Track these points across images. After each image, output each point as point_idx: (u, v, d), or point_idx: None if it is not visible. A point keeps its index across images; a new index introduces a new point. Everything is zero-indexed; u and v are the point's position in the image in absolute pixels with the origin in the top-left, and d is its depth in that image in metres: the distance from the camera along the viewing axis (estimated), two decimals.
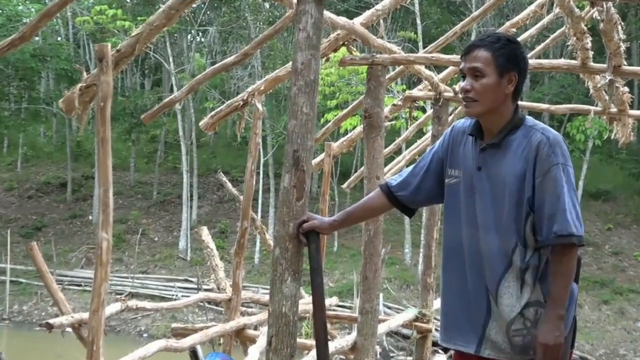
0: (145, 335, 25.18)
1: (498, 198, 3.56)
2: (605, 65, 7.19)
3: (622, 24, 6.53)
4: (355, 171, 21.41)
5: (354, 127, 17.10)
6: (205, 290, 22.77)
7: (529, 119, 3.65)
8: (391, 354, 17.84)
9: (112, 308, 7.36)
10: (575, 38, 6.86)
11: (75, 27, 36.89)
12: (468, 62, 3.61)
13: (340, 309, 21.02)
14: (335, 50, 7.79)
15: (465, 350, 3.69)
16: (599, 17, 6.17)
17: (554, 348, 3.42)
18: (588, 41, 6.96)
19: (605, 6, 6.06)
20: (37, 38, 32.83)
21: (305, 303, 8.96)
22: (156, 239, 32.55)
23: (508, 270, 3.53)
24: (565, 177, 3.47)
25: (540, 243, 3.49)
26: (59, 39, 40.27)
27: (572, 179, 3.52)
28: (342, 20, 7.06)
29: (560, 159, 3.47)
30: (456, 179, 3.74)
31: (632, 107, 9.96)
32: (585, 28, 6.86)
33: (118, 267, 29.29)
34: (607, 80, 7.09)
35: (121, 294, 24.13)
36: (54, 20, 35.51)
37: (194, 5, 9.79)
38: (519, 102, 3.73)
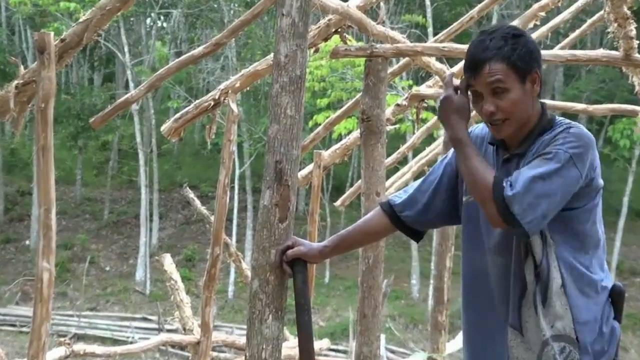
0: None
1: None
2: None
3: None
4: (351, 186, 21.45)
5: (350, 132, 17.15)
6: (168, 331, 22.73)
7: (561, 120, 3.64)
8: None
9: (54, 353, 7.35)
10: (616, 24, 6.90)
11: (9, 9, 36.88)
12: (481, 80, 3.57)
13: (332, 353, 21.05)
14: (326, 40, 7.80)
15: None
16: None
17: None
18: (632, 28, 6.99)
19: None
20: None
21: (290, 347, 8.97)
22: (108, 268, 32.56)
23: (525, 293, 3.57)
24: (562, 169, 3.41)
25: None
26: None
27: (570, 179, 3.44)
28: (334, 2, 7.09)
29: (569, 149, 3.43)
30: None
31: None
32: (628, 12, 6.89)
33: (61, 303, 29.28)
34: None
35: (65, 335, 24.09)
36: None
37: None
38: (551, 102, 3.74)
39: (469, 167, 3.51)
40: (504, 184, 3.39)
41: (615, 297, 3.69)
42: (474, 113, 3.69)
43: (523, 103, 3.56)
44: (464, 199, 3.82)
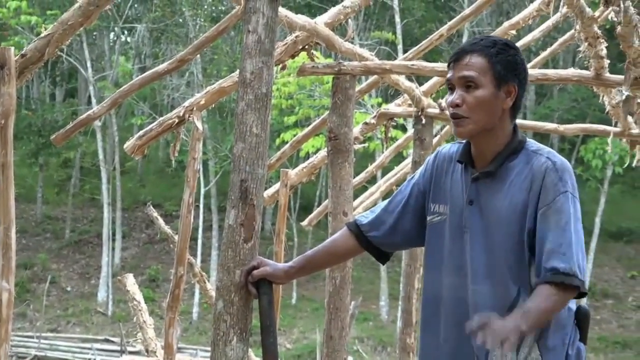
0: None
1: (493, 238, 3.57)
2: (623, 77, 7.27)
3: None
4: (319, 205, 21.45)
5: (317, 151, 17.18)
6: (131, 352, 22.64)
7: (531, 142, 3.66)
8: None
9: None
10: (587, 44, 6.96)
11: None
12: (458, 70, 3.62)
13: None
14: (293, 57, 7.83)
15: None
16: (615, 18, 6.26)
17: (498, 330, 3.23)
18: (603, 47, 7.05)
19: (622, 5, 6.16)
20: None
21: None
22: (69, 288, 32.37)
23: None
24: (573, 210, 3.48)
25: (537, 283, 3.45)
26: None
27: (580, 215, 3.53)
28: (301, 19, 7.11)
29: (568, 188, 3.50)
30: (440, 216, 3.76)
31: None
32: (599, 31, 6.95)
33: (21, 324, 29.07)
34: (623, 96, 7.17)
35: (25, 357, 23.95)
36: None
37: None
38: (522, 121, 3.77)
39: (544, 311, 3.42)
40: (575, 282, 3.41)
41: (581, 319, 3.71)
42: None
43: (490, 107, 3.59)
44: (428, 219, 3.83)
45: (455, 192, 3.73)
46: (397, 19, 29.11)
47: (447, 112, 3.74)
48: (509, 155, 3.63)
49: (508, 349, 3.24)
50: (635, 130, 9.79)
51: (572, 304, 3.64)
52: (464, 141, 3.76)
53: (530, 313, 3.35)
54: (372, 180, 15.45)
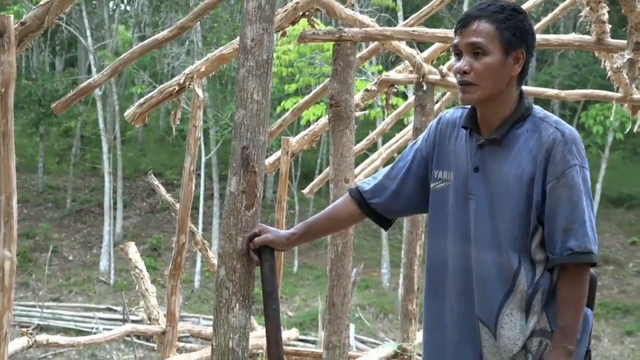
0: None
1: (499, 207, 3.55)
2: (625, 42, 7.25)
3: None
4: (320, 173, 21.48)
5: (318, 118, 17.14)
6: (133, 321, 22.66)
7: (538, 109, 3.64)
8: None
9: (16, 344, 7.31)
10: (588, 8, 6.92)
11: None
12: (466, 36, 3.57)
13: (301, 343, 21.10)
14: (293, 23, 7.80)
15: None
16: None
17: None
18: (604, 12, 7.01)
19: None
20: None
21: (258, 336, 8.99)
22: (71, 257, 32.42)
23: (510, 296, 3.53)
24: (583, 182, 3.48)
25: (552, 262, 3.49)
26: None
27: (589, 186, 3.54)
28: None
29: (577, 160, 3.47)
30: (444, 182, 3.73)
31: None
32: None
33: (23, 293, 29.11)
34: (625, 60, 7.14)
35: (27, 326, 23.99)
36: None
37: None
38: (523, 87, 3.74)
39: (578, 314, 3.53)
40: (592, 259, 3.50)
41: (589, 285, 3.72)
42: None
43: (497, 74, 3.55)
44: (431, 185, 3.81)
45: (459, 158, 3.70)
46: None
47: (454, 79, 3.71)
48: (515, 122, 3.60)
49: None
50: (637, 96, 9.77)
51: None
52: (467, 106, 3.73)
53: (568, 328, 3.49)
54: (373, 147, 15.47)
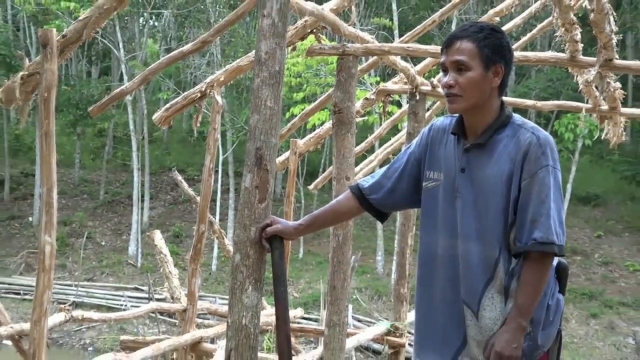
0: (90, 348, 25.01)
1: (482, 203, 3.58)
2: (595, 59, 7.26)
3: (615, 14, 6.59)
4: (324, 171, 21.46)
5: (323, 123, 17.15)
6: (158, 299, 22.72)
7: (517, 117, 3.67)
8: None
9: (55, 318, 7.32)
10: (563, 29, 6.92)
11: (15, 7, 36.59)
12: (450, 55, 3.62)
13: (305, 321, 21.06)
14: (302, 39, 7.80)
15: None
16: (589, 7, 6.23)
17: (508, 359, 3.48)
18: (577, 32, 7.02)
19: None
20: None
21: (268, 314, 8.98)
22: (103, 243, 32.38)
23: (491, 282, 3.57)
24: (553, 181, 3.51)
25: (518, 249, 3.52)
26: None
27: (560, 184, 3.56)
28: (310, 5, 7.08)
29: (550, 161, 3.50)
30: (435, 182, 3.76)
31: (625, 105, 10.08)
32: (574, 18, 6.92)
33: (61, 273, 29.09)
34: (594, 74, 7.15)
35: (64, 303, 23.99)
36: None
37: None
38: (504, 98, 3.76)
39: (535, 296, 3.53)
40: (553, 249, 3.51)
41: (560, 273, 3.79)
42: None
43: (479, 87, 3.59)
44: (423, 184, 3.83)
45: (448, 160, 3.74)
46: (394, 6, 28.95)
47: (442, 91, 3.73)
48: (497, 129, 3.63)
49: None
50: (604, 107, 9.76)
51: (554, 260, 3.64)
52: (456, 115, 3.76)
53: (524, 306, 3.51)
54: (371, 149, 15.46)
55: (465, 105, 3.62)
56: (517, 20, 10.76)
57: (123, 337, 9.36)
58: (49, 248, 5.83)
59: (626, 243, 30.11)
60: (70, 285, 28.24)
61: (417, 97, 9.30)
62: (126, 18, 34.88)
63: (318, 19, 7.32)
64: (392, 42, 15.59)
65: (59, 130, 30.63)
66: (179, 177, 10.78)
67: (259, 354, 4.08)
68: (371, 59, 9.89)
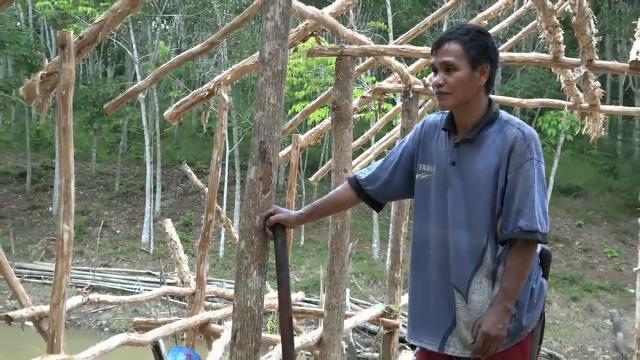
0: (106, 329, 25.06)
1: (471, 195, 3.59)
2: (577, 60, 7.25)
3: (595, 17, 6.58)
4: (323, 164, 21.41)
5: (322, 119, 17.12)
6: (169, 284, 22.68)
7: (504, 114, 3.69)
8: (357, 350, 17.88)
9: (72, 301, 7.32)
10: (547, 31, 6.92)
11: (36, 12, 36.53)
12: (439, 56, 3.64)
13: (306, 304, 21.07)
14: (303, 41, 7.80)
15: (429, 348, 3.75)
16: (571, 11, 6.22)
17: (494, 339, 3.47)
18: (560, 35, 7.02)
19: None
20: None
21: (271, 297, 8.97)
22: (118, 231, 32.38)
23: (480, 268, 3.58)
24: (537, 174, 3.51)
25: (504, 236, 3.54)
26: (18, 24, 39.77)
27: (543, 176, 3.57)
28: (310, 9, 7.07)
29: (534, 155, 3.52)
30: (427, 174, 3.76)
31: (603, 102, 10.07)
32: (557, 21, 6.91)
33: (79, 259, 29.10)
34: (582, 74, 7.15)
35: (82, 287, 23.97)
36: (14, 4, 35.19)
37: None
38: (491, 96, 3.76)
39: (520, 280, 3.54)
40: (537, 237, 3.53)
41: (544, 259, 3.79)
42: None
43: (467, 85, 3.61)
44: (416, 176, 3.83)
45: (440, 154, 3.74)
46: (389, 11, 28.96)
47: (433, 90, 3.74)
48: (485, 125, 3.64)
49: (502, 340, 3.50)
50: (585, 104, 9.76)
51: (537, 246, 3.65)
52: (446, 112, 3.76)
53: (509, 289, 3.52)
54: (367, 144, 15.43)
55: (453, 103, 3.64)
56: (504, 23, 10.76)
57: (136, 319, 9.37)
58: (67, 236, 5.83)
59: (605, 231, 30.13)
60: (87, 271, 28.27)
61: (411, 95, 9.29)
62: (139, 21, 34.81)
63: (318, 22, 7.31)
64: (387, 44, 15.56)
65: (76, 126, 30.60)
66: (189, 170, 10.77)
67: (263, 334, 4.07)
68: (367, 60, 9.90)
